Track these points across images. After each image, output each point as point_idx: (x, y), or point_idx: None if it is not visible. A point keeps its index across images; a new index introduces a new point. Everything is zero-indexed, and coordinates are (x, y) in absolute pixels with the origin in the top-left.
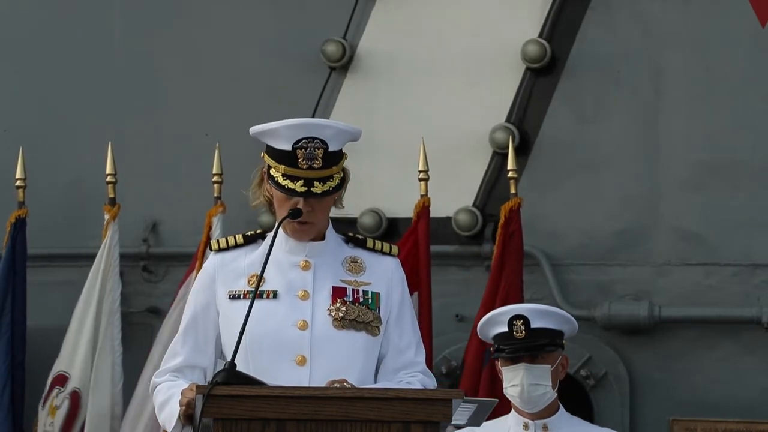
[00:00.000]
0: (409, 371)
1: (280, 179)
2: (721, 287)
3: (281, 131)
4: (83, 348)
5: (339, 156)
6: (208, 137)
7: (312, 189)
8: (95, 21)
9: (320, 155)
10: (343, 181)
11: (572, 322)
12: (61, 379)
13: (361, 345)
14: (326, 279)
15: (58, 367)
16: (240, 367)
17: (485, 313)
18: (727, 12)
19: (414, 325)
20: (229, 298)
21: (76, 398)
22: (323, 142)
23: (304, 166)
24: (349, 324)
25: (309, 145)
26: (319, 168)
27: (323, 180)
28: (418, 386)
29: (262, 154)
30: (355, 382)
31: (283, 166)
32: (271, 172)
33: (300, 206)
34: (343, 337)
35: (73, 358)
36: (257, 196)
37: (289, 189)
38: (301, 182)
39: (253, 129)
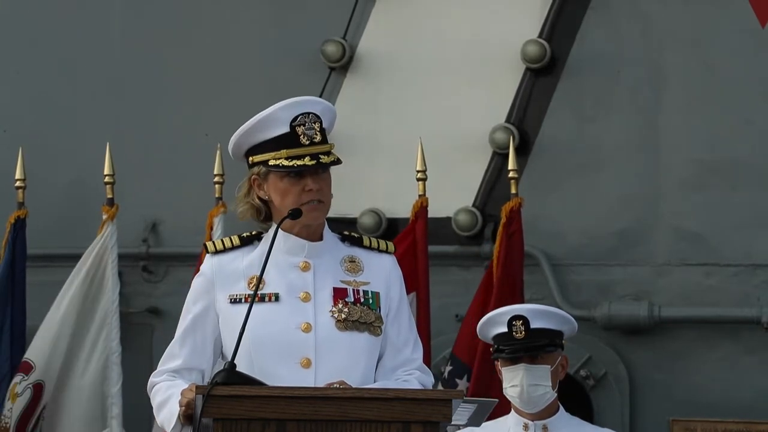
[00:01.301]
0: (407, 369)
1: (286, 163)
2: (721, 287)
3: (277, 114)
4: (63, 342)
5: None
6: (208, 137)
7: (321, 160)
8: (95, 21)
9: (318, 129)
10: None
11: (572, 322)
12: (26, 367)
13: (364, 346)
14: (326, 280)
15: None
16: (244, 370)
17: (479, 311)
18: (727, 12)
19: (411, 322)
20: (231, 302)
21: (39, 390)
22: (317, 117)
23: (306, 142)
24: (352, 325)
25: (306, 120)
26: (319, 142)
27: (326, 153)
28: (416, 384)
29: (251, 159)
30: (359, 383)
31: (284, 150)
32: (270, 164)
33: (310, 186)
34: (346, 339)
35: (45, 349)
36: (242, 205)
37: (299, 166)
38: (308, 158)
39: (242, 128)
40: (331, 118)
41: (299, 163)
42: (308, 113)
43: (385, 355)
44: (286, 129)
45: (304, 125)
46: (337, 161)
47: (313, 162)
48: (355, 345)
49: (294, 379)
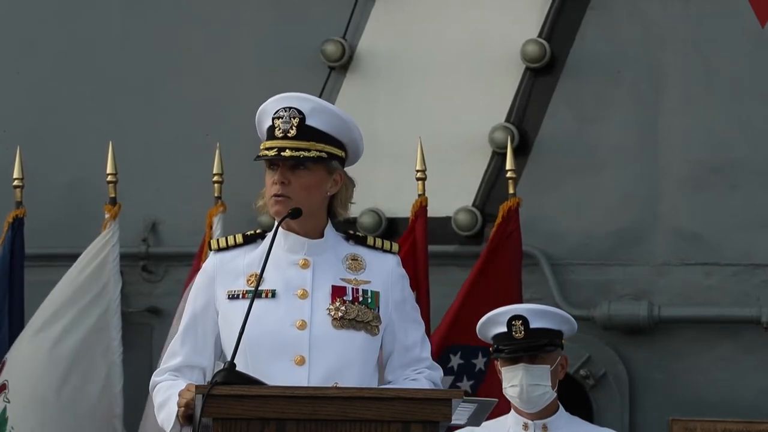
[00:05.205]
0: (416, 368)
1: (261, 153)
2: (720, 287)
3: (267, 107)
4: (59, 340)
5: (324, 137)
6: (208, 137)
7: (282, 153)
8: (95, 20)
9: (295, 124)
10: (323, 161)
11: (571, 322)
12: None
13: (360, 344)
14: (326, 277)
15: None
16: (239, 367)
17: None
18: (727, 12)
19: (418, 321)
20: (228, 298)
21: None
22: (299, 112)
23: (279, 135)
24: (349, 323)
25: (285, 114)
26: (292, 137)
27: (296, 149)
28: (425, 383)
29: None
30: (354, 382)
31: (265, 141)
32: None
33: (275, 179)
34: (342, 337)
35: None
36: (261, 199)
37: (261, 155)
38: (274, 150)
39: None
40: (330, 119)
41: (263, 153)
42: (289, 108)
43: (394, 354)
44: (270, 122)
45: (281, 118)
46: (301, 159)
47: (273, 153)
48: (351, 344)
49: (287, 376)
